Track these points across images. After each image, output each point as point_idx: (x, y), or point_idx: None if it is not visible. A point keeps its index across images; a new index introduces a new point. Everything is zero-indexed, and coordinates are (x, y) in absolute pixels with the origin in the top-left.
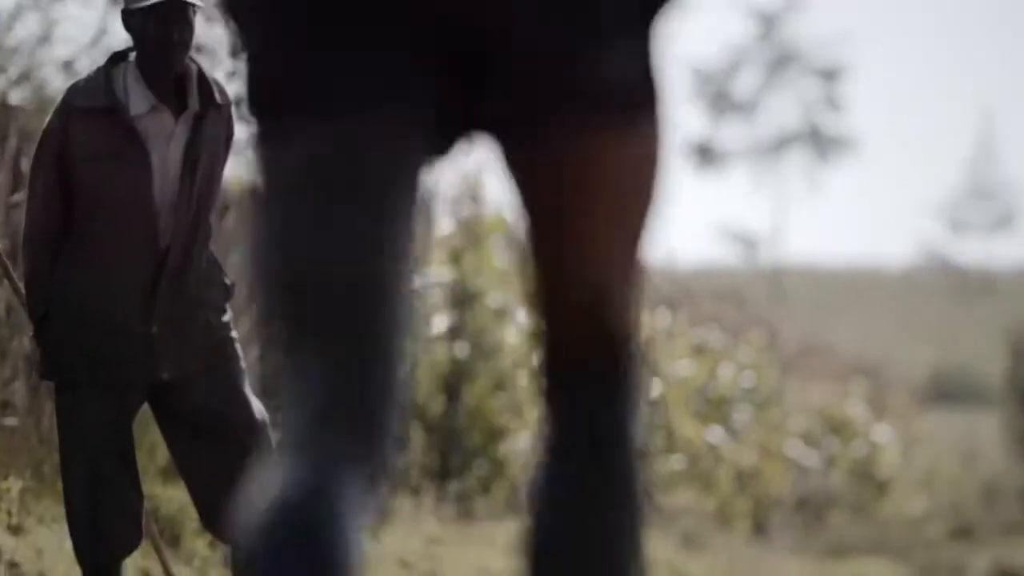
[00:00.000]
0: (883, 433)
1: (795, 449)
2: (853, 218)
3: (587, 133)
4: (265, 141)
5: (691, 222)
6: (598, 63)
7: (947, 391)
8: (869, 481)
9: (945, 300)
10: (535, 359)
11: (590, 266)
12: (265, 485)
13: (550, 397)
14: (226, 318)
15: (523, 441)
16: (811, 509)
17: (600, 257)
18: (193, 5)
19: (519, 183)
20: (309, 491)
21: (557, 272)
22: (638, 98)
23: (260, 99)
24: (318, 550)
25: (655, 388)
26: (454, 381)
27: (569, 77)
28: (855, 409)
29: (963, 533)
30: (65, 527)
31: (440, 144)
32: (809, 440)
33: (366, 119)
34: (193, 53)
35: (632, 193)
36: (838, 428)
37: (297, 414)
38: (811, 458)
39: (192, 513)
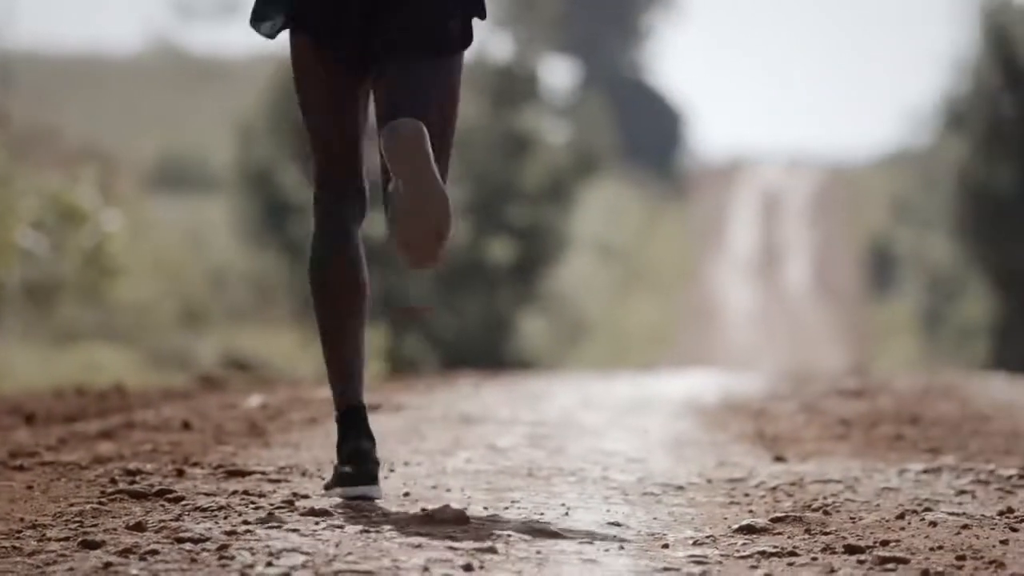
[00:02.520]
0: (112, 219)
1: (25, 236)
2: (82, 1)
3: (425, 60)
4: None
5: None
6: (436, 30)
7: (176, 177)
8: (98, 267)
9: (173, 85)
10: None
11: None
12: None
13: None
14: None
15: None
16: (41, 296)
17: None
18: None
19: (384, 88)
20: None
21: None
22: (452, 48)
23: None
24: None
25: None
26: None
27: (421, 36)
28: (85, 195)
29: (191, 318)
30: None
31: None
32: (39, 226)
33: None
34: None
35: (447, 104)
36: (68, 214)
37: None
38: (41, 244)
39: None
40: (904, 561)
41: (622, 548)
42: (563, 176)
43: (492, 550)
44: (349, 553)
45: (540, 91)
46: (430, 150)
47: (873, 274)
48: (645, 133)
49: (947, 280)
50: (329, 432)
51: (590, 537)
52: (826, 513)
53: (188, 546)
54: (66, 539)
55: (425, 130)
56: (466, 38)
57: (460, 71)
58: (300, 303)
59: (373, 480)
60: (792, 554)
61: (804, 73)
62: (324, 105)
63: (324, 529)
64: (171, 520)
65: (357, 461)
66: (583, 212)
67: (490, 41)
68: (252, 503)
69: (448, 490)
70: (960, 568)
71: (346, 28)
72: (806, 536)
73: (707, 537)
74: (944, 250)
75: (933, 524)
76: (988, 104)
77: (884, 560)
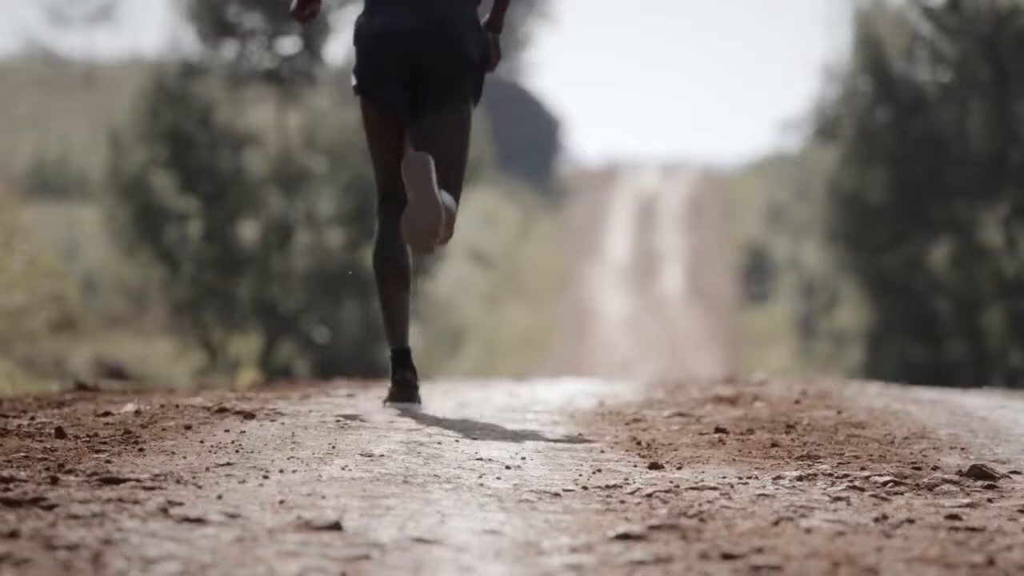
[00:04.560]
0: None
1: None
2: None
3: (450, 107)
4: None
5: None
6: (458, 84)
7: (49, 183)
8: None
9: (46, 91)
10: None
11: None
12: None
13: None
14: None
15: None
16: None
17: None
18: None
19: (418, 128)
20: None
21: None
22: (468, 97)
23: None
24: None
25: None
26: None
27: (449, 88)
28: None
29: (64, 325)
30: None
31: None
32: None
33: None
34: None
35: (465, 137)
36: None
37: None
38: None
39: None
40: (779, 568)
41: (498, 556)
42: None
43: (367, 558)
44: (224, 560)
45: None
46: (433, 174)
47: (748, 281)
48: (522, 140)
49: (821, 287)
50: (204, 439)
51: (466, 545)
52: (702, 520)
53: (62, 554)
54: None
55: (431, 160)
56: (476, 93)
57: (469, 114)
58: (173, 310)
59: (415, 399)
60: (668, 561)
61: (680, 78)
62: (381, 143)
63: (199, 537)
64: (45, 527)
65: (403, 386)
66: (459, 219)
67: None
68: (127, 510)
69: (323, 497)
70: (835, 575)
71: (394, 100)
72: (682, 543)
73: (583, 544)
74: (818, 257)
75: (808, 531)
76: (860, 111)
77: (759, 567)
